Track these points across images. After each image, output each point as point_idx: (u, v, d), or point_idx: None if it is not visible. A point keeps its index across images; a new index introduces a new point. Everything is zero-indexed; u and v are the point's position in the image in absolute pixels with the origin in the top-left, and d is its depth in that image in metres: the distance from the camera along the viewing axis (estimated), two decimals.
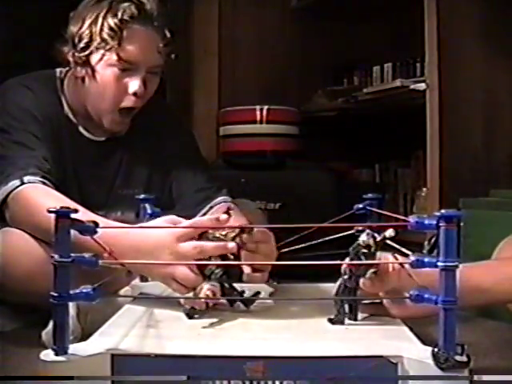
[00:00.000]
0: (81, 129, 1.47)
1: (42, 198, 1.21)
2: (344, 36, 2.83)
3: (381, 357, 0.75)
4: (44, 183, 1.25)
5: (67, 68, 1.46)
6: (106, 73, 1.37)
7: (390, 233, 0.90)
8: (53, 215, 0.77)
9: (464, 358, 0.71)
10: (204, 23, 2.70)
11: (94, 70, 1.38)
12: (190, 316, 0.95)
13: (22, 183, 1.24)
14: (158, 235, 1.02)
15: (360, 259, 0.92)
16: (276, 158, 2.41)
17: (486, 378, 0.73)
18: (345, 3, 2.63)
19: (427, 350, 0.74)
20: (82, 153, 1.46)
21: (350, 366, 0.75)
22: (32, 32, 2.58)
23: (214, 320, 0.93)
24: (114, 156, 1.51)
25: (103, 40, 1.34)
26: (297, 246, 1.09)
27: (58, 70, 1.49)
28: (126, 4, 1.36)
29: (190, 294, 0.99)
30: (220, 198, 1.47)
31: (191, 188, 1.51)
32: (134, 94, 1.38)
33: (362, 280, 0.92)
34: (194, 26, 2.68)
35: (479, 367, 0.74)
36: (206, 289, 0.96)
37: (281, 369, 0.76)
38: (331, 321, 0.93)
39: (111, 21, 1.34)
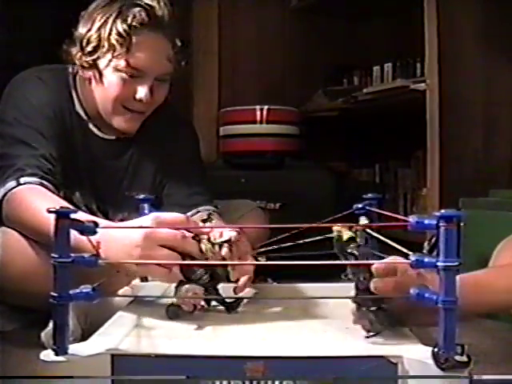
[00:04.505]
0: (91, 126, 1.47)
1: (34, 199, 1.20)
2: (344, 36, 2.84)
3: (381, 357, 0.75)
4: (42, 184, 1.25)
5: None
6: (113, 77, 1.36)
7: (362, 220, 0.87)
8: (52, 215, 0.76)
9: (464, 358, 0.71)
10: (204, 23, 2.70)
11: (101, 74, 1.37)
12: (170, 317, 0.93)
13: (18, 184, 1.24)
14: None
15: (354, 255, 0.86)
16: (276, 158, 2.41)
17: (486, 377, 0.73)
18: (345, 3, 2.64)
19: (427, 350, 0.74)
20: (93, 150, 1.47)
21: (350, 366, 0.75)
22: (32, 32, 2.59)
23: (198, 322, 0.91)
24: (123, 156, 1.51)
25: (111, 45, 1.33)
26: (289, 244, 1.07)
27: (70, 65, 1.47)
28: (136, 9, 1.33)
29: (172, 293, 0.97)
30: (207, 207, 1.48)
31: (183, 191, 1.51)
32: (140, 100, 1.38)
33: (372, 284, 0.82)
34: (193, 26, 2.68)
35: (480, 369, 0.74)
36: (190, 290, 0.94)
37: (281, 369, 0.75)
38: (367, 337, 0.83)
39: (120, 26, 1.32)
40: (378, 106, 2.33)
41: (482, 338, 1.23)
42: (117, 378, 0.76)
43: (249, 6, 2.77)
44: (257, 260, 1.08)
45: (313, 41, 2.84)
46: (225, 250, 0.98)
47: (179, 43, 1.41)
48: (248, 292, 1.05)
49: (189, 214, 1.46)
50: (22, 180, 1.24)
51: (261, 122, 2.40)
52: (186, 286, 0.95)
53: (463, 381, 0.71)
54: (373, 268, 0.84)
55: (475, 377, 0.71)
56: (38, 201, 1.19)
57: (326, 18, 2.83)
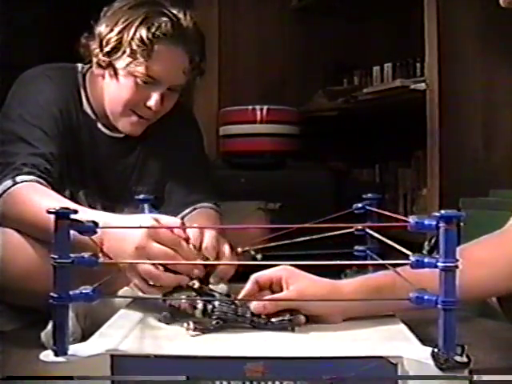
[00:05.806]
0: (99, 125, 1.47)
1: (33, 195, 1.20)
2: (344, 36, 2.84)
3: (381, 357, 0.75)
4: (39, 182, 1.25)
5: (89, 65, 1.45)
6: (128, 81, 1.36)
7: None
8: (52, 216, 0.76)
9: (464, 359, 0.71)
10: (204, 23, 2.69)
11: (116, 74, 1.37)
12: (166, 322, 0.93)
13: (15, 183, 1.23)
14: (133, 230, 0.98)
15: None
16: (276, 158, 2.41)
17: (486, 377, 0.73)
18: (345, 3, 2.64)
19: (427, 351, 0.74)
20: (100, 149, 1.47)
21: (349, 366, 0.75)
22: (32, 32, 2.59)
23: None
24: (132, 153, 1.51)
25: (132, 51, 1.33)
26: (287, 242, 1.07)
27: (79, 64, 1.47)
28: (163, 19, 1.33)
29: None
30: (205, 204, 1.47)
31: (182, 189, 1.51)
32: (150, 107, 1.38)
33: (252, 306, 0.89)
34: None
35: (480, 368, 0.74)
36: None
37: (281, 369, 0.76)
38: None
39: (144, 33, 1.31)
40: (378, 105, 2.33)
41: (482, 338, 1.23)
42: (117, 378, 0.76)
43: (249, 6, 2.77)
44: (254, 259, 1.09)
45: (313, 41, 2.83)
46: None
47: (197, 59, 1.41)
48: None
49: (186, 211, 1.46)
50: (19, 179, 1.24)
51: (260, 122, 2.40)
52: (178, 293, 0.95)
53: (463, 381, 0.71)
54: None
55: (475, 377, 0.71)
56: (37, 197, 1.19)
57: (326, 18, 2.83)
